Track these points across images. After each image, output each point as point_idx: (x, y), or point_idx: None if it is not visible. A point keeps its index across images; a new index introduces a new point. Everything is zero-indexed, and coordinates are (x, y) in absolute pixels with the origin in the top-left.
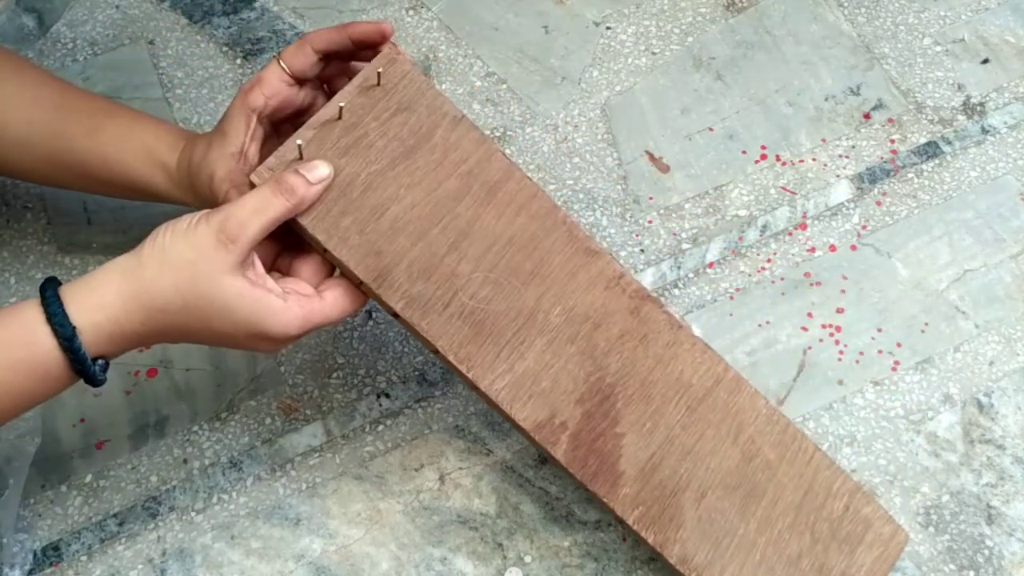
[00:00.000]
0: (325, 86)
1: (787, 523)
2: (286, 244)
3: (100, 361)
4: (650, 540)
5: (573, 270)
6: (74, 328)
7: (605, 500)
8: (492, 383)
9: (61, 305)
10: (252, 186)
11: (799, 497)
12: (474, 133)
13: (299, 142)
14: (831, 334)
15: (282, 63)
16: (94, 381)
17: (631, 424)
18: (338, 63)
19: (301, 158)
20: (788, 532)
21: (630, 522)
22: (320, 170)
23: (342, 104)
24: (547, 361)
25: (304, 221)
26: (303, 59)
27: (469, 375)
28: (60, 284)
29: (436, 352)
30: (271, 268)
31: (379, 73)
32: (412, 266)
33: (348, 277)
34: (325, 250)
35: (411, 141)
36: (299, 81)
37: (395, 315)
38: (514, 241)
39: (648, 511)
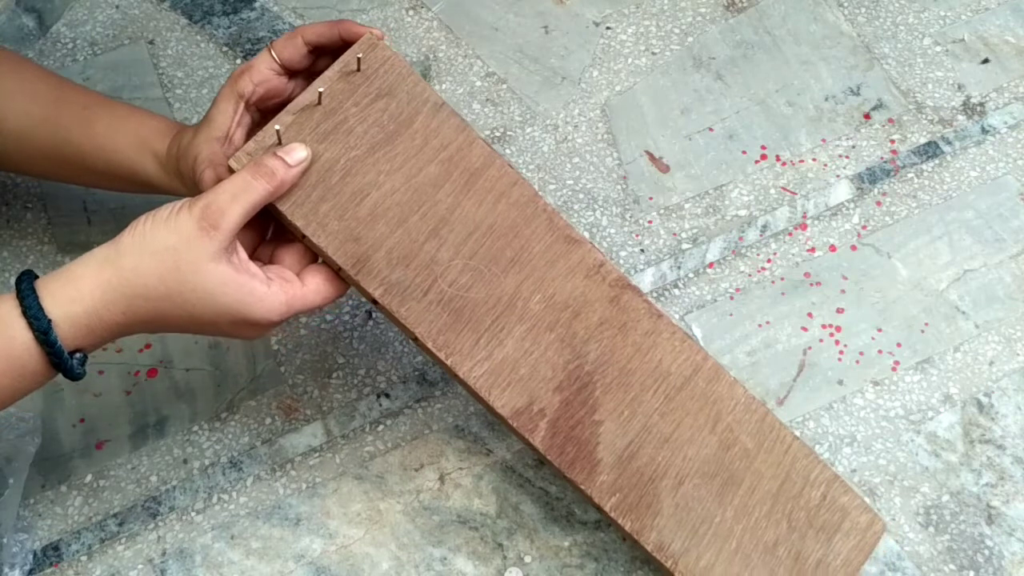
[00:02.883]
0: None
1: (764, 511)
2: (267, 233)
3: (78, 354)
4: (627, 527)
5: (553, 258)
6: (50, 321)
7: (582, 487)
8: (471, 370)
9: (36, 298)
10: (231, 171)
11: (776, 485)
12: (455, 120)
13: (278, 127)
14: (831, 334)
15: (273, 52)
16: (71, 374)
17: (609, 412)
18: (329, 58)
19: (280, 143)
20: (765, 520)
21: (607, 509)
22: (298, 152)
23: (321, 89)
24: (526, 348)
25: (283, 207)
26: (293, 50)
27: (447, 362)
28: (36, 277)
29: (415, 339)
30: (252, 257)
31: (359, 58)
32: (391, 253)
33: (328, 263)
34: (304, 236)
35: (391, 127)
36: (289, 72)
37: (374, 301)
38: (494, 228)
39: (625, 498)
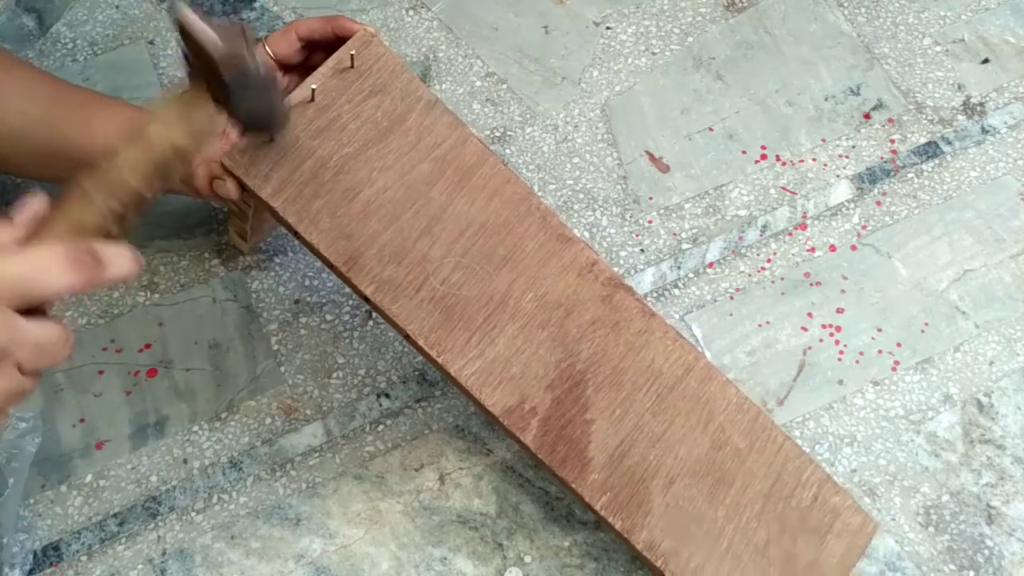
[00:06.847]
0: None
1: (755, 511)
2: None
3: None
4: (617, 526)
5: (546, 256)
6: None
7: (573, 486)
8: (462, 368)
9: None
10: (223, 167)
11: (768, 486)
12: (448, 117)
13: None
14: (831, 334)
15: (267, 47)
16: None
17: (601, 411)
18: (323, 53)
19: (272, 140)
20: (756, 520)
21: (598, 508)
22: (127, 265)
23: (314, 86)
24: (518, 347)
25: (275, 203)
26: (287, 45)
27: (439, 360)
28: None
29: (407, 337)
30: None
31: (352, 55)
32: (383, 250)
33: (320, 260)
34: (296, 233)
35: (384, 124)
36: (283, 67)
37: (366, 299)
38: (487, 226)
39: (616, 497)
